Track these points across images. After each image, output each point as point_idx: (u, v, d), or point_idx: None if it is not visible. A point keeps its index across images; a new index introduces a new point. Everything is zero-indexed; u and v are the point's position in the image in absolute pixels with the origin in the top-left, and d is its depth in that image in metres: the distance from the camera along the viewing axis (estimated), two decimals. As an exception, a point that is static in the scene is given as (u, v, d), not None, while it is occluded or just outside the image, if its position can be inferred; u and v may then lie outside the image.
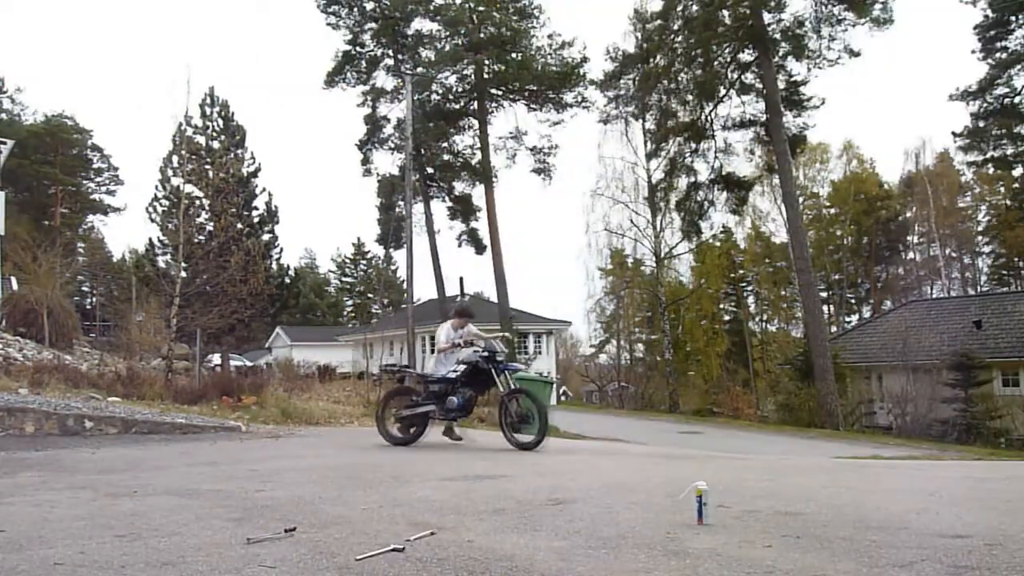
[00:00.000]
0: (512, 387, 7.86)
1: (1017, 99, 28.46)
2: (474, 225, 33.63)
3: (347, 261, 66.67)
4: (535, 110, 33.25)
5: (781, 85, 27.08)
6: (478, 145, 32.95)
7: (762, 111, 28.11)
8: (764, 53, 26.15)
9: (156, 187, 21.66)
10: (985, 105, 28.92)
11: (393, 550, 2.97)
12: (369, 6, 31.80)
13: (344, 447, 8.17)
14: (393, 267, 54.63)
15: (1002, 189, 46.28)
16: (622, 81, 32.13)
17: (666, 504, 4.09)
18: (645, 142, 35.68)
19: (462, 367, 7.94)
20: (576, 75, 32.08)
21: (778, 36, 26.69)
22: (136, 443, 7.83)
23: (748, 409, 31.46)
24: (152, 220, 21.73)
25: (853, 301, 54.79)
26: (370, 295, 62.94)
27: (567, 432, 16.55)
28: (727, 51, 28.06)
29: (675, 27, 29.18)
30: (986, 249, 51.70)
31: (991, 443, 19.60)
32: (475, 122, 33.14)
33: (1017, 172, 36.72)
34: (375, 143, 33.51)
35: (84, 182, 53.28)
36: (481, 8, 31.58)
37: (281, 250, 32.88)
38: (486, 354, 7.87)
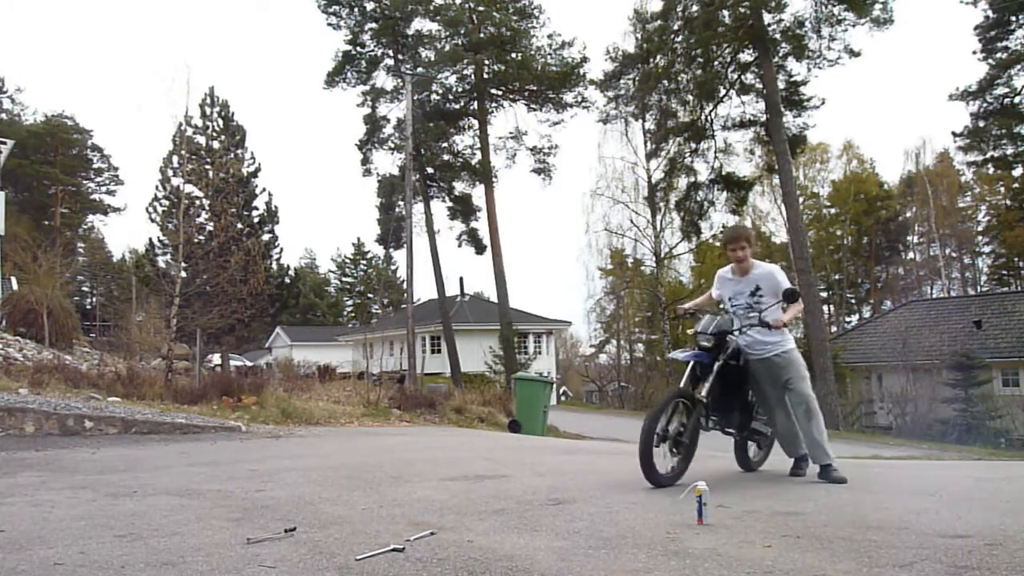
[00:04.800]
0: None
1: (1017, 99, 28.47)
2: (474, 225, 33.64)
3: (347, 261, 66.73)
4: (535, 110, 33.28)
5: (781, 85, 27.07)
6: (478, 145, 32.94)
7: (762, 111, 28.10)
8: (764, 53, 26.15)
9: (156, 187, 21.82)
10: (985, 105, 28.94)
11: (393, 550, 2.96)
12: (369, 6, 31.80)
13: (344, 447, 8.16)
14: (393, 267, 54.72)
15: (1002, 189, 46.29)
16: (622, 81, 32.14)
17: (666, 504, 4.08)
18: (645, 142, 35.80)
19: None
20: (576, 75, 32.08)
21: (778, 36, 26.68)
22: (136, 443, 7.82)
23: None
24: (152, 220, 21.88)
25: (853, 301, 54.80)
26: (370, 295, 62.99)
27: (567, 432, 16.58)
28: (727, 51, 28.05)
29: (675, 27, 29.17)
30: (986, 249, 51.78)
31: (991, 443, 19.57)
32: (475, 122, 33.12)
33: (1017, 172, 36.73)
34: (375, 143, 33.49)
35: (84, 182, 53.37)
36: (481, 8, 31.58)
37: (281, 250, 32.95)
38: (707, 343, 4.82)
